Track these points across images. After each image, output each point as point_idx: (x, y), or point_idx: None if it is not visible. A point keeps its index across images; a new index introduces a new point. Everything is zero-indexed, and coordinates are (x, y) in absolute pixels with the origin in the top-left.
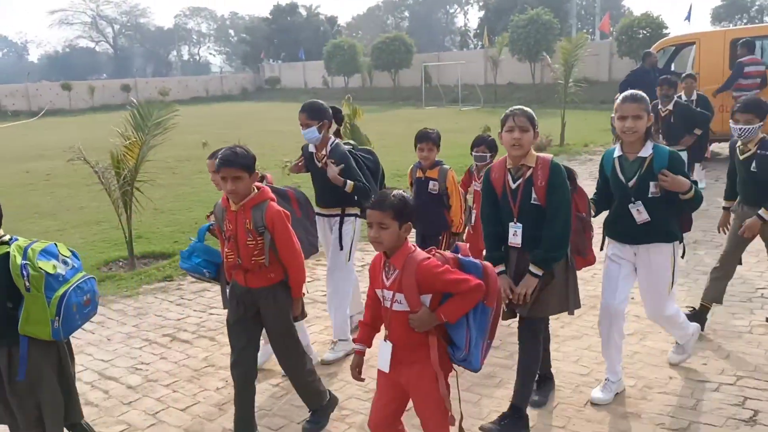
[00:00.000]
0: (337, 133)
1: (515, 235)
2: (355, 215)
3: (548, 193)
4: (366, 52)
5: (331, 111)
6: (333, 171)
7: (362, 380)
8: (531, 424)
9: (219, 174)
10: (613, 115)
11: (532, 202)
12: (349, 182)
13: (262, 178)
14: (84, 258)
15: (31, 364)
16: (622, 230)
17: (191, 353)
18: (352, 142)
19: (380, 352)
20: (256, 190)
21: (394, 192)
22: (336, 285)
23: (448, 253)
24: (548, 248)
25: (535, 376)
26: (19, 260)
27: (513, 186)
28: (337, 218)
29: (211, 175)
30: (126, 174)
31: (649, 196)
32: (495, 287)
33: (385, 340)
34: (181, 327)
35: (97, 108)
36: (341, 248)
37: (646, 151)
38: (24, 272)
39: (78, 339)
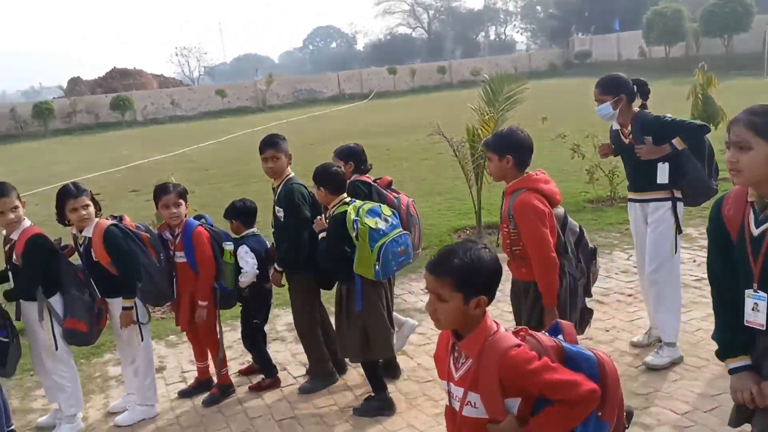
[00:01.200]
0: (643, 107)
1: (756, 310)
2: (676, 199)
3: None
4: (692, 17)
5: (632, 84)
6: (646, 150)
7: None
8: None
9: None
10: None
11: None
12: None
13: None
14: (435, 224)
15: (364, 297)
16: None
17: None
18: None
19: None
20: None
21: (467, 245)
22: (662, 285)
23: (544, 337)
24: None
25: None
26: (352, 216)
27: (756, 232)
28: (655, 203)
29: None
30: (480, 148)
31: None
32: (616, 393)
33: None
34: None
35: (416, 90)
36: (666, 238)
37: None
38: (354, 226)
39: None
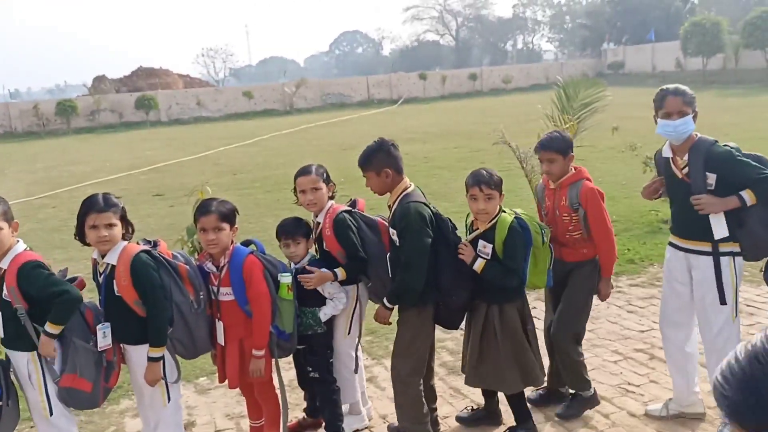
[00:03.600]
0: None
1: None
2: (735, 253)
3: None
4: (731, 29)
5: None
6: (707, 202)
7: None
8: None
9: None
10: None
11: None
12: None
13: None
14: None
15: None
16: None
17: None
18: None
19: None
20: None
21: None
22: (720, 355)
23: None
24: None
25: None
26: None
27: None
28: (707, 257)
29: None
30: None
31: None
32: None
33: None
34: (652, 342)
35: (446, 96)
36: (722, 301)
37: None
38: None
39: None
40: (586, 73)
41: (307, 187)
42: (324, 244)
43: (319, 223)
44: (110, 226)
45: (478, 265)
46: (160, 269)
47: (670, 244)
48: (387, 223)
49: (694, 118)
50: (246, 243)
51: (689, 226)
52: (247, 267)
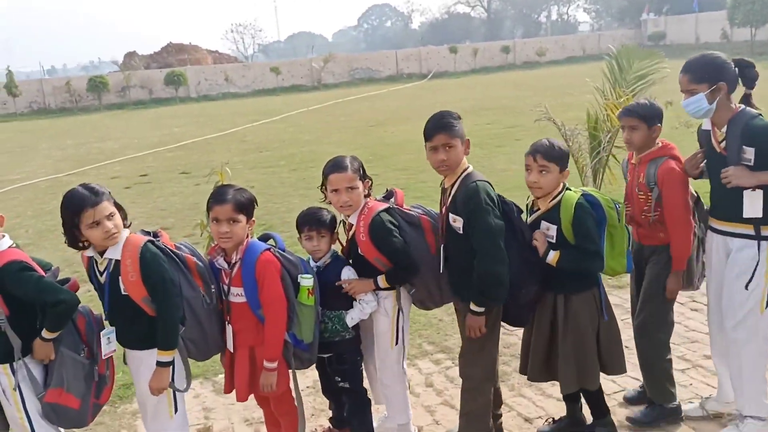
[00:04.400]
0: (746, 101)
1: None
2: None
3: None
4: None
5: (733, 67)
6: (735, 173)
7: None
8: None
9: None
10: None
11: None
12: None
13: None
14: None
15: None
16: None
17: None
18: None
19: None
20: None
21: None
22: (742, 346)
23: None
24: None
25: None
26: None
27: None
28: (744, 239)
29: None
30: (603, 139)
31: None
32: None
33: None
34: None
35: (477, 70)
36: (746, 286)
37: None
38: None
39: None
40: (624, 44)
41: (341, 186)
42: (358, 248)
43: (351, 225)
44: (111, 216)
45: (552, 257)
46: (169, 261)
47: (710, 227)
48: (429, 218)
49: (715, 92)
50: (264, 237)
51: (728, 205)
52: (260, 265)
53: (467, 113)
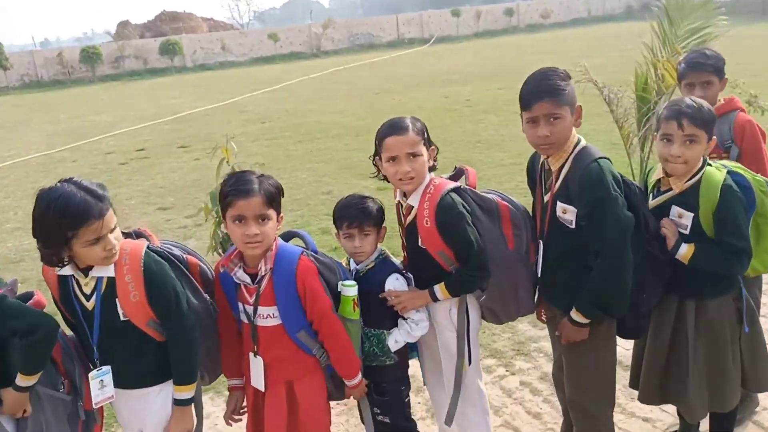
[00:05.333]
0: None
1: None
2: None
3: None
4: None
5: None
6: None
7: None
8: None
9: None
10: None
11: None
12: None
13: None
14: None
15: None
16: None
17: None
18: None
19: None
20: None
21: None
22: None
23: None
24: None
25: None
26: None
27: None
28: None
29: None
30: (653, 103)
31: None
32: None
33: None
34: None
35: (480, 34)
36: None
37: None
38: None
39: None
40: (630, 5)
41: (401, 152)
42: (419, 240)
43: (411, 207)
44: (114, 227)
45: (685, 252)
46: (173, 269)
47: None
48: (509, 205)
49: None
50: (288, 236)
51: None
52: (301, 275)
53: (476, 78)
